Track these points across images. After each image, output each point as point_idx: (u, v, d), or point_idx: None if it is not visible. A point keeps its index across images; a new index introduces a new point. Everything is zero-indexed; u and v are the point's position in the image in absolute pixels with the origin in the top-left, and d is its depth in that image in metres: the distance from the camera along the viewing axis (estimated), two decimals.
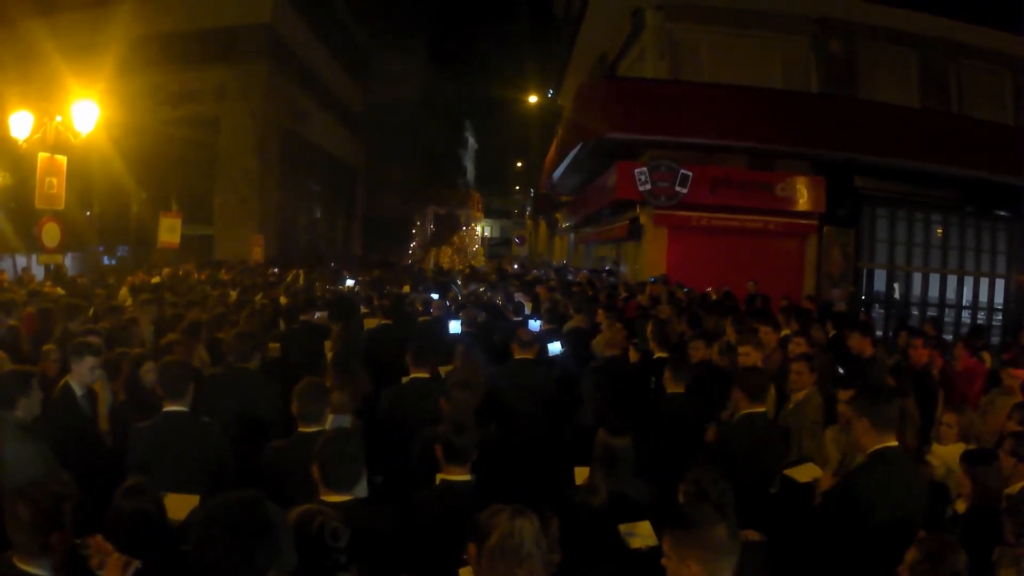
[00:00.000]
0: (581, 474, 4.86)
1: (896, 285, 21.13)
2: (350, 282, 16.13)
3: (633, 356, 7.89)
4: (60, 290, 12.13)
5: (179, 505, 4.12)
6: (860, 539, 4.12)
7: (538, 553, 2.83)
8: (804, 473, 5.07)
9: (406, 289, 14.29)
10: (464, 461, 4.09)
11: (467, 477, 4.10)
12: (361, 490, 3.89)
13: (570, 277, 20.15)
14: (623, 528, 3.98)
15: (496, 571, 2.80)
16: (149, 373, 5.87)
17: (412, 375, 6.42)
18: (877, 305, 20.60)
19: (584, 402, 6.69)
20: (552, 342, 8.20)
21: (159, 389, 5.05)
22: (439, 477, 4.16)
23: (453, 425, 4.13)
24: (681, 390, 6.25)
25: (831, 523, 4.37)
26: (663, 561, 2.95)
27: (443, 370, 7.01)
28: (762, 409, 5.45)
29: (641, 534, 3.95)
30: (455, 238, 34.57)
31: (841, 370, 7.87)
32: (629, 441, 4.36)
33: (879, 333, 15.02)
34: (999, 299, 21.36)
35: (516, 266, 28.89)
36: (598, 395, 6.38)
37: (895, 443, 4.39)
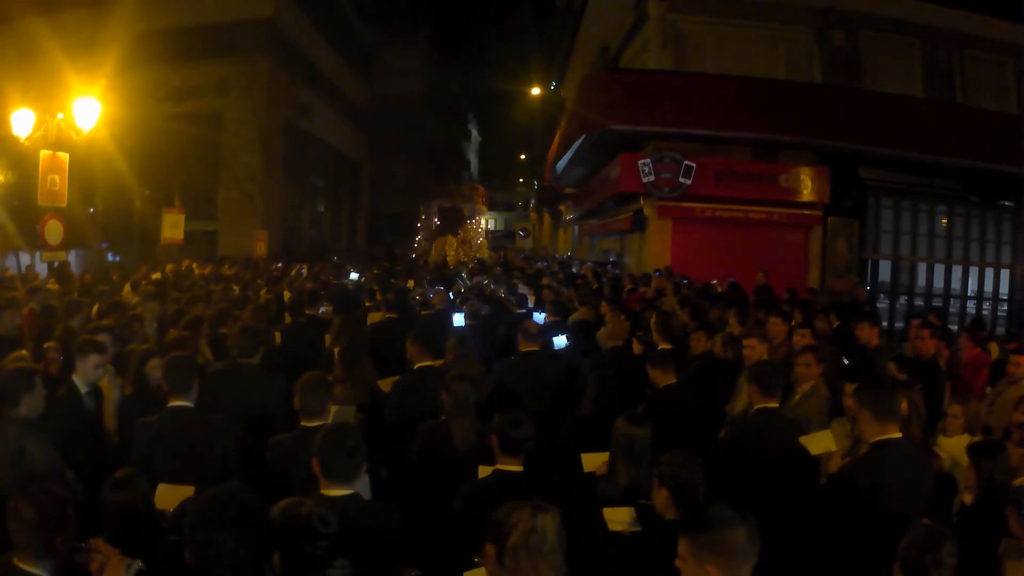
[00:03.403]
0: (587, 460, 4.87)
1: (912, 275, 21.10)
2: (354, 276, 16.09)
3: (636, 348, 7.86)
4: (55, 285, 12.11)
5: (170, 495, 4.13)
6: (860, 530, 4.10)
7: (560, 548, 2.84)
8: (817, 444, 5.03)
9: (410, 284, 14.27)
10: (519, 452, 4.19)
11: (520, 468, 4.18)
12: (363, 487, 3.89)
13: (574, 269, 20.13)
14: (607, 511, 3.98)
15: (520, 568, 2.78)
16: (155, 369, 5.86)
17: (418, 365, 6.45)
18: (882, 295, 20.55)
19: (585, 393, 6.66)
20: (557, 334, 8.18)
21: (164, 385, 5.05)
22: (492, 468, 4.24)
23: (511, 417, 4.22)
24: (672, 380, 6.23)
25: (832, 513, 4.35)
26: (677, 562, 2.84)
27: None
28: (775, 404, 5.41)
29: (622, 519, 3.96)
30: (460, 231, 34.64)
31: (846, 361, 7.85)
32: (649, 431, 4.37)
33: (884, 323, 14.99)
34: (1004, 289, 21.32)
35: (522, 257, 28.85)
36: (598, 386, 6.36)
37: (898, 434, 4.37)
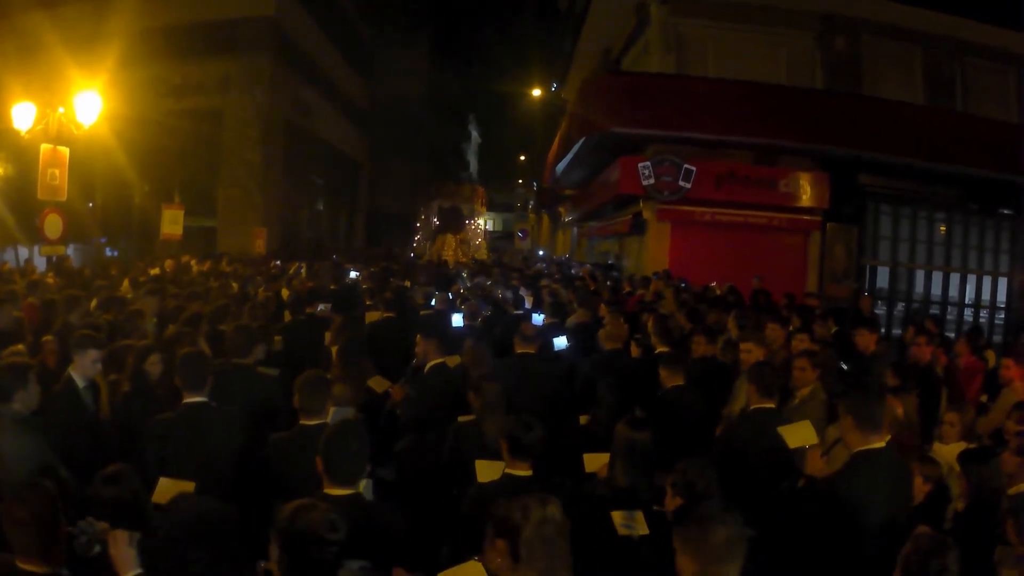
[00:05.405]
0: (589, 460, 4.87)
1: (910, 282, 21.09)
2: (354, 274, 16.07)
3: (635, 351, 7.86)
4: (54, 279, 12.10)
5: (171, 490, 4.11)
6: (844, 542, 4.05)
7: (567, 536, 2.95)
8: (796, 436, 4.92)
9: (407, 283, 14.26)
10: (529, 457, 4.18)
11: (529, 472, 4.18)
12: (364, 487, 3.88)
13: (573, 271, 20.13)
14: (615, 515, 3.99)
15: (535, 558, 2.85)
16: (154, 366, 5.85)
17: (432, 363, 6.55)
18: (880, 302, 20.54)
19: (601, 405, 6.57)
20: (557, 335, 8.17)
21: (178, 381, 5.02)
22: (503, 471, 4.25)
23: (521, 421, 4.21)
24: (681, 382, 6.23)
25: (814, 526, 4.31)
26: (676, 556, 2.91)
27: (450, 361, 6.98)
28: (772, 405, 5.41)
29: (631, 523, 3.96)
30: (459, 231, 34.81)
31: (844, 366, 7.86)
32: (650, 435, 4.37)
33: (882, 330, 14.99)
34: (1001, 297, 21.31)
35: (520, 259, 28.85)
36: (608, 395, 6.33)
37: (880, 444, 4.27)
